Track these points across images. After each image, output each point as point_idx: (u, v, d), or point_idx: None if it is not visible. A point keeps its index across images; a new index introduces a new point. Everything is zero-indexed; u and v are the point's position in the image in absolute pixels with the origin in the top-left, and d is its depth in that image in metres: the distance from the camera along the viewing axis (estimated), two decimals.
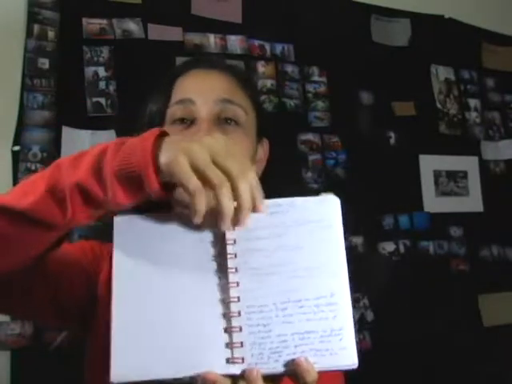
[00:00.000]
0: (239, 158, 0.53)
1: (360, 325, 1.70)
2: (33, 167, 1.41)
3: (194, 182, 0.51)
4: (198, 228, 0.55)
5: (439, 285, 1.86)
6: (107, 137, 1.47)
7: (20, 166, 1.41)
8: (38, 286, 0.67)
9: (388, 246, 1.84)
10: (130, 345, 0.50)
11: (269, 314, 0.52)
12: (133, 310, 0.52)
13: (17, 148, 1.42)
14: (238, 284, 0.53)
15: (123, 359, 0.49)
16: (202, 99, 0.74)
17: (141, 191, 0.53)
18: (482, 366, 1.77)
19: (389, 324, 1.73)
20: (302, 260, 0.54)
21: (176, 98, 0.76)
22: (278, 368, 0.51)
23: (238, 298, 0.53)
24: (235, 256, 0.54)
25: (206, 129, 0.71)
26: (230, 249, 0.54)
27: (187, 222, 0.55)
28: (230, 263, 0.54)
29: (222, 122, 0.74)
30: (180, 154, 0.51)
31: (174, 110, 0.75)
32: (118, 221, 0.56)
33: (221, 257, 0.54)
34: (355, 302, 1.70)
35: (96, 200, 0.55)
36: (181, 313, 0.52)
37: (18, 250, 0.59)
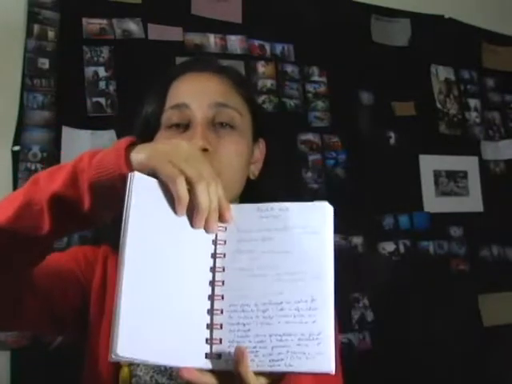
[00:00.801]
0: (210, 168, 0.54)
1: (360, 325, 1.70)
2: (33, 167, 1.41)
3: (172, 169, 0.51)
4: None
5: (439, 285, 1.86)
6: (107, 137, 1.47)
7: (20, 166, 1.40)
8: (29, 299, 0.67)
9: (388, 246, 1.84)
10: (136, 323, 0.49)
11: (250, 314, 0.53)
12: (142, 285, 0.50)
13: (17, 148, 1.42)
14: (223, 283, 0.54)
15: (128, 336, 0.47)
16: (196, 103, 0.74)
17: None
18: (482, 366, 1.77)
19: (389, 324, 1.73)
20: (288, 264, 0.55)
21: (171, 103, 0.76)
22: (253, 367, 0.51)
23: (222, 296, 0.54)
24: (224, 256, 0.56)
25: (201, 133, 0.71)
26: (219, 249, 0.56)
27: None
28: (218, 262, 0.55)
29: (217, 125, 0.74)
30: (156, 150, 0.53)
31: (169, 115, 0.75)
32: (137, 177, 0.52)
33: (213, 256, 0.56)
34: (355, 301, 1.70)
35: (72, 207, 0.56)
36: (177, 301, 0.52)
37: (4, 265, 0.59)
